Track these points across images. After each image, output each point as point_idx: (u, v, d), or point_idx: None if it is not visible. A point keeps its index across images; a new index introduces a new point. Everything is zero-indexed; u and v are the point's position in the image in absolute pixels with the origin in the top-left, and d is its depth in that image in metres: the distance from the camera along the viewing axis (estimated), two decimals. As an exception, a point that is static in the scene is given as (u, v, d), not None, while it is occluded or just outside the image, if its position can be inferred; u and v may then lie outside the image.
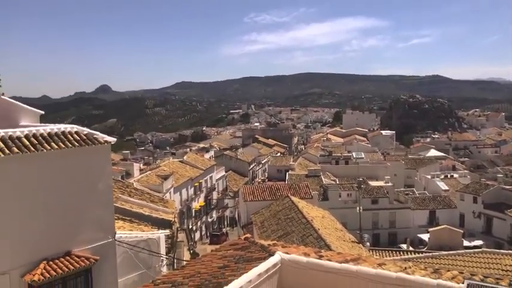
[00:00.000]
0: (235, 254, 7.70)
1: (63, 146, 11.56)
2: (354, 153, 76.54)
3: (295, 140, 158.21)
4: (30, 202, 11.02)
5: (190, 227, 51.70)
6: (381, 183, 58.67)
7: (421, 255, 27.82)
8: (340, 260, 6.79)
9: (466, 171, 74.76)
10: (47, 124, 12.99)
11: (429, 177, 64.70)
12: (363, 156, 75.25)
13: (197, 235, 56.11)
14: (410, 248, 37.64)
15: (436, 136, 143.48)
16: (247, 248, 7.87)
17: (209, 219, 62.59)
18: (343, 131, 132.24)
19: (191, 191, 55.44)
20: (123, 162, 60.37)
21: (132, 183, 32.11)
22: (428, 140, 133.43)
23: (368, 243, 35.83)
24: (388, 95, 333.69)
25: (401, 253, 31.21)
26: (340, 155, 75.42)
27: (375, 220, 51.61)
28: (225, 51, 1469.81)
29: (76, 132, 12.26)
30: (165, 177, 44.38)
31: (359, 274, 6.33)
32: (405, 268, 6.60)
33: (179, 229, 27.99)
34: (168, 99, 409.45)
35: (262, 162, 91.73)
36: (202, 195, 59.80)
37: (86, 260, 11.85)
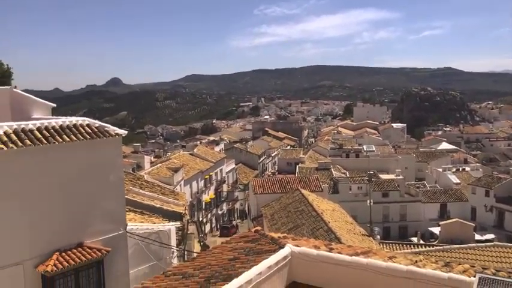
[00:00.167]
0: (246, 247, 7.73)
1: (75, 138, 11.65)
2: (364, 146, 76.15)
3: (306, 133, 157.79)
4: (42, 194, 11.15)
5: (200, 219, 51.98)
6: (391, 176, 58.35)
7: (431, 248, 27.69)
8: (350, 253, 6.78)
9: (478, 164, 74.06)
10: (58, 117, 13.10)
11: (440, 170, 64.20)
12: (374, 149, 74.82)
13: (207, 227, 56.42)
14: (421, 242, 37.49)
15: (448, 129, 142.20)
16: (257, 241, 7.89)
17: (219, 212, 62.88)
18: (354, 123, 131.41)
19: (201, 183, 55.68)
20: (134, 155, 60.77)
21: (143, 176, 32.33)
22: (439, 133, 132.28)
23: (378, 237, 35.73)
24: (400, 88, 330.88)
25: (412, 246, 31.07)
26: (350, 148, 75.10)
27: (385, 213, 51.42)
28: (235, 44, 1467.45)
29: (87, 125, 12.34)
30: (176, 170, 44.60)
31: (369, 267, 6.31)
32: (416, 261, 6.57)
33: (190, 221, 28.14)
34: (179, 92, 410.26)
35: (272, 155, 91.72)
36: (213, 188, 60.04)
37: (97, 252, 11.97)
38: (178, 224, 19.28)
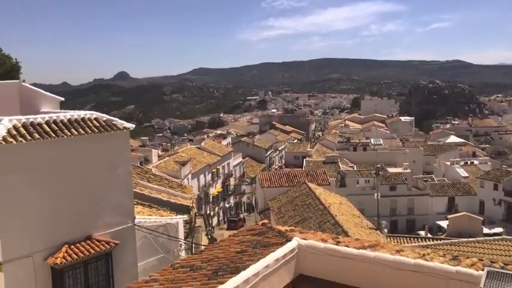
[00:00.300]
0: (253, 239, 7.75)
1: (83, 132, 11.73)
2: (372, 140, 75.92)
3: (313, 126, 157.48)
4: (51, 187, 11.25)
5: (208, 212, 52.20)
6: (399, 169, 58.17)
7: (439, 242, 27.63)
8: (357, 246, 6.78)
9: (486, 157, 73.62)
10: (67, 110, 13.18)
11: (448, 163, 63.90)
12: (382, 142, 74.60)
13: (215, 220, 56.65)
14: (429, 235, 37.39)
15: (456, 122, 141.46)
16: (264, 234, 7.91)
17: (226, 205, 63.09)
18: (362, 117, 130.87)
19: (209, 177, 55.85)
20: (142, 149, 61.04)
21: (151, 169, 32.49)
22: (448, 126, 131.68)
23: (386, 230, 35.73)
24: (408, 81, 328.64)
25: (420, 240, 31.02)
26: (358, 141, 74.91)
27: (393, 207, 51.33)
28: (242, 37, 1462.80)
29: (95, 119, 12.41)
30: (183, 164, 44.77)
31: (376, 260, 6.31)
32: (423, 255, 6.56)
33: (197, 214, 28.26)
34: (186, 85, 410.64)
35: (279, 148, 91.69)
36: (220, 181, 60.22)
37: (106, 244, 12.08)
38: (185, 217, 19.37)
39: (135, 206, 14.62)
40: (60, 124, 11.51)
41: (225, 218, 60.40)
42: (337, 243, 7.05)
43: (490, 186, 50.79)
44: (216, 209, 58.84)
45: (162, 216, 17.20)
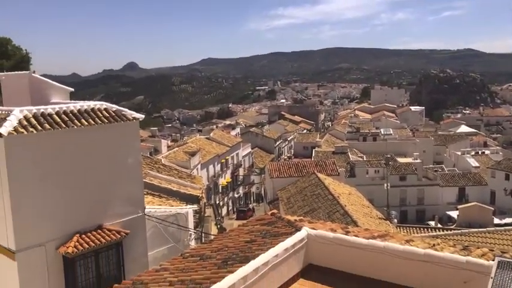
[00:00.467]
0: (262, 229, 7.77)
1: (93, 122, 11.79)
2: (382, 130, 75.52)
3: (322, 116, 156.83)
4: (62, 177, 11.35)
5: (217, 202, 52.45)
6: (409, 159, 57.87)
7: (449, 232, 27.49)
8: (367, 236, 6.77)
9: (498, 147, 72.81)
10: (76, 101, 13.24)
11: (459, 153, 63.35)
12: (391, 132, 74.17)
13: (224, 210, 56.92)
14: (439, 225, 37.24)
15: (467, 112, 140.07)
16: (273, 223, 7.93)
17: (236, 195, 63.31)
18: (371, 107, 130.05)
19: (218, 167, 56.02)
20: (151, 139, 61.30)
21: (160, 160, 32.63)
22: (459, 115, 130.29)
23: (395, 220, 35.60)
24: (418, 70, 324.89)
25: (430, 230, 30.90)
26: (368, 131, 74.57)
27: (402, 197, 51.16)
28: (251, 27, 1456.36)
29: (105, 109, 12.46)
30: (192, 154, 44.93)
31: (386, 250, 6.30)
32: (433, 245, 6.54)
33: (206, 204, 28.40)
34: (195, 76, 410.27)
35: (289, 139, 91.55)
36: (229, 172, 60.38)
37: (117, 234, 12.19)
38: (195, 207, 19.49)
39: (145, 196, 14.72)
40: (71, 115, 11.57)
41: (234, 208, 60.65)
42: (347, 233, 7.05)
43: (501, 176, 50.33)
44: (225, 199, 59.08)
45: (172, 206, 17.31)
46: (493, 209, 38.51)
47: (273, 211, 8.94)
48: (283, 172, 37.28)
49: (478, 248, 6.55)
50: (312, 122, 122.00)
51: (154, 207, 15.26)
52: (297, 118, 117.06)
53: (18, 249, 10.61)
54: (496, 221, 38.60)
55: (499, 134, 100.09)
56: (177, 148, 48.46)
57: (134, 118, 12.91)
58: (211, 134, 62.76)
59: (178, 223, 15.66)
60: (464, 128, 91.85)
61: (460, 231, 27.11)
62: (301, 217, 8.72)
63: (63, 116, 11.40)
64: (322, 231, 7.05)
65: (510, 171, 49.55)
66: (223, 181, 57.86)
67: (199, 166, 47.45)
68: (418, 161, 56.19)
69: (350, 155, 58.95)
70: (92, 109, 12.17)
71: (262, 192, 59.38)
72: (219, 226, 34.10)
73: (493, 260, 5.54)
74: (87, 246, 11.34)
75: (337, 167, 39.32)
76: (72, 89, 15.04)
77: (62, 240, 11.37)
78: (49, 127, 10.86)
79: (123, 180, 12.76)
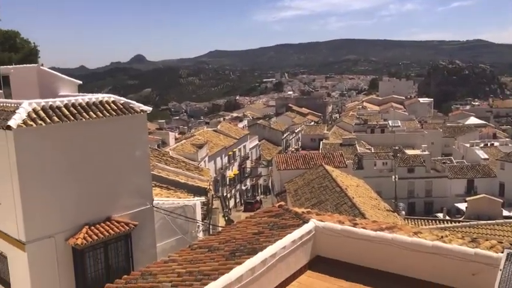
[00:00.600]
0: (270, 221, 7.79)
1: (101, 115, 11.85)
2: (390, 122, 75.11)
3: (330, 108, 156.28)
4: (71, 169, 11.44)
5: (224, 194, 52.62)
6: (417, 151, 57.57)
7: (458, 224, 27.39)
8: (375, 228, 6.76)
9: (507, 139, 72.20)
10: (85, 94, 13.31)
11: (468, 145, 62.89)
12: (400, 124, 73.75)
13: (231, 202, 57.10)
14: (447, 217, 37.11)
15: (477, 103, 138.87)
16: (281, 215, 7.94)
17: (243, 187, 63.46)
18: (379, 98, 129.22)
19: (225, 159, 56.13)
20: (159, 132, 61.46)
21: (168, 152, 32.74)
22: (468, 107, 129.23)
23: (403, 212, 35.58)
24: (427, 61, 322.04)
25: (438, 222, 30.81)
26: (375, 123, 74.20)
27: (410, 189, 50.98)
28: (258, 18, 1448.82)
29: (113, 102, 12.51)
30: (200, 146, 45.04)
31: (394, 242, 6.29)
32: (441, 237, 6.51)
33: (214, 196, 28.49)
34: (202, 68, 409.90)
35: (296, 131, 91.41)
36: (236, 164, 60.49)
37: (125, 225, 12.28)
38: (203, 199, 19.55)
39: (153, 188, 14.80)
40: (79, 107, 11.64)
41: (242, 200, 60.81)
42: (355, 225, 7.04)
43: (510, 168, 49.92)
44: (233, 191, 59.24)
45: (180, 198, 17.39)
46: (502, 201, 38.30)
47: (280, 203, 8.96)
48: (290, 164, 37.26)
49: (487, 240, 6.52)
50: (320, 114, 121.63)
51: (163, 199, 15.34)
52: (304, 110, 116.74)
53: (29, 241, 10.74)
54: (505, 213, 38.33)
55: (509, 125, 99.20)
56: (184, 140, 48.60)
57: (142, 111, 12.96)
58: (219, 127, 62.82)
59: (186, 215, 15.74)
60: (473, 120, 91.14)
61: (468, 223, 27.01)
62: (309, 209, 8.73)
63: (71, 108, 11.46)
64: (329, 223, 7.05)
65: (519, 163, 49.16)
66: (230, 173, 57.99)
67: (206, 158, 47.57)
68: (427, 153, 55.88)
69: (358, 147, 58.75)
70: (100, 102, 12.22)
71: (270, 184, 59.46)
72: (226, 218, 34.23)
73: (502, 252, 5.51)
74: (96, 237, 11.45)
75: (345, 159, 39.22)
76: (80, 82, 15.12)
77: (71, 231, 11.49)
78: (58, 120, 10.92)
79: (132, 173, 12.84)
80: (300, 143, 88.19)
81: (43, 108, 11.00)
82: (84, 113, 11.54)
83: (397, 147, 49.62)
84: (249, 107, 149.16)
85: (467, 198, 38.41)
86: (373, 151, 57.88)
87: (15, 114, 10.41)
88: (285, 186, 33.21)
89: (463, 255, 5.76)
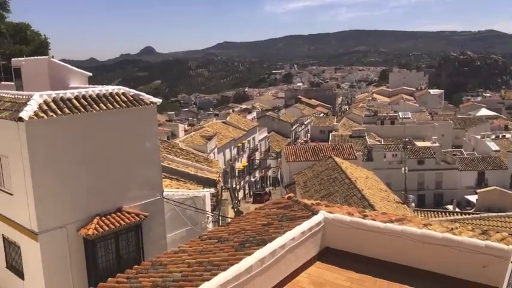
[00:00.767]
0: (279, 213, 7.81)
1: (112, 106, 11.91)
2: (400, 113, 74.54)
3: (339, 100, 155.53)
4: (82, 160, 11.54)
5: (234, 186, 52.74)
6: (427, 143, 57.20)
7: (468, 216, 27.25)
8: (384, 220, 6.75)
9: (519, 131, 71.31)
10: (95, 86, 13.38)
11: (479, 137, 62.25)
12: (410, 116, 73.20)
13: (240, 194, 57.25)
14: (457, 210, 36.88)
15: (488, 95, 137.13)
16: (290, 207, 7.96)
17: (252, 179, 63.54)
18: (390, 90, 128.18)
19: (234, 151, 56.19)
20: (169, 123, 61.57)
21: (178, 144, 32.86)
22: (479, 98, 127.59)
23: (413, 204, 35.37)
24: (437, 52, 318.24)
25: (448, 214, 30.65)
26: (385, 115, 73.76)
27: (420, 181, 50.70)
28: (267, 9, 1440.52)
29: (123, 94, 12.56)
30: (209, 138, 45.12)
31: (404, 234, 6.28)
32: (452, 229, 6.49)
33: (223, 188, 28.60)
34: (211, 60, 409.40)
35: (305, 123, 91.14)
36: (245, 156, 60.54)
37: (136, 216, 12.39)
38: (212, 190, 19.65)
39: (163, 179, 14.89)
40: (89, 99, 11.71)
41: (251, 191, 60.93)
42: (364, 216, 7.04)
43: (522, 160, 49.44)
44: (242, 183, 59.36)
45: (190, 189, 17.49)
46: (513, 193, 37.94)
47: (289, 195, 8.97)
48: (299, 156, 37.21)
49: (498, 232, 6.48)
50: (329, 106, 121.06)
51: (172, 190, 15.44)
52: (313, 102, 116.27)
53: (41, 231, 10.88)
54: (516, 205, 38.00)
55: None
56: (194, 132, 48.70)
57: (152, 102, 13.01)
58: (228, 118, 62.82)
59: (195, 206, 15.84)
60: (484, 111, 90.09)
61: (479, 215, 26.85)
62: (318, 201, 8.73)
63: (82, 100, 11.53)
64: (339, 214, 7.06)
65: (531, 155, 48.61)
66: (239, 165, 58.08)
67: (215, 150, 47.67)
68: (437, 144, 55.49)
69: (367, 139, 58.51)
70: (111, 93, 12.28)
71: (279, 176, 59.46)
72: (235, 209, 34.33)
73: (513, 245, 5.49)
74: (107, 228, 11.57)
75: (355, 151, 39.08)
76: (91, 74, 15.19)
77: (82, 222, 11.62)
78: (68, 111, 11.01)
79: (142, 164, 12.92)
80: (309, 134, 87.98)
81: (54, 100, 11.09)
82: (94, 105, 11.62)
83: (407, 139, 49.24)
84: (258, 99, 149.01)
85: (478, 191, 38.10)
86: (382, 143, 57.61)
87: (27, 106, 10.50)
88: (294, 178, 33.21)
89: (474, 248, 5.74)
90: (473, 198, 41.26)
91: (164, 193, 13.80)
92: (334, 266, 6.59)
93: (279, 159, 60.77)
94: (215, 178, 23.06)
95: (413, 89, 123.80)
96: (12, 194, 11.63)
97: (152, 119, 13.49)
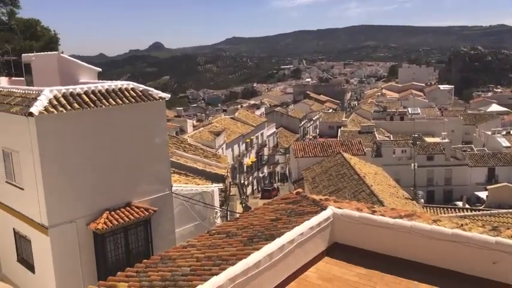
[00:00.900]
0: (287, 208, 7.80)
1: (121, 102, 11.97)
2: (409, 109, 74.02)
3: (348, 95, 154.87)
4: (92, 155, 11.61)
5: (242, 181, 52.83)
6: (437, 139, 56.77)
7: (478, 213, 27.04)
8: (393, 216, 6.72)
9: (531, 127, 70.54)
10: (104, 81, 13.44)
11: (489, 133, 61.69)
12: (419, 111, 72.64)
13: (249, 189, 57.32)
14: (467, 206, 36.64)
15: (499, 90, 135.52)
16: (298, 202, 7.95)
17: (260, 175, 63.58)
18: (399, 85, 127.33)
19: (243, 147, 56.23)
20: (177, 119, 61.71)
21: (186, 139, 32.93)
22: (490, 94, 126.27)
23: (422, 200, 35.22)
24: (448, 47, 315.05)
25: (457, 210, 30.45)
26: (395, 110, 73.25)
27: (430, 177, 50.42)
28: (276, 4, 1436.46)
29: (132, 89, 12.61)
30: (217, 134, 45.17)
31: (413, 230, 6.25)
32: (461, 225, 6.44)
33: (232, 183, 28.66)
34: (219, 55, 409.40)
35: (314, 118, 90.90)
36: (254, 151, 60.55)
37: (145, 211, 12.46)
38: (220, 185, 19.69)
39: (172, 174, 14.95)
40: (99, 94, 11.77)
41: (259, 187, 60.99)
42: (373, 212, 7.01)
43: (533, 156, 48.94)
44: (250, 178, 59.42)
45: (198, 184, 17.54)
46: (524, 190, 37.57)
47: (298, 190, 8.96)
48: (308, 152, 37.16)
49: (508, 228, 6.42)
50: (338, 101, 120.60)
51: (181, 185, 15.49)
52: (322, 97, 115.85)
53: (51, 225, 10.99)
54: (527, 202, 37.64)
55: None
56: (202, 128, 48.79)
57: (160, 98, 13.04)
58: (236, 114, 62.83)
59: (204, 201, 15.89)
60: (495, 107, 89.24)
61: (489, 211, 26.64)
62: (327, 196, 8.71)
63: (91, 95, 11.60)
64: (348, 210, 7.04)
65: (543, 151, 48.08)
66: (248, 161, 58.13)
67: (224, 146, 47.74)
68: (446, 140, 55.07)
69: (376, 135, 58.21)
70: (120, 89, 12.33)
71: (287, 171, 59.43)
72: (244, 205, 34.41)
73: (524, 241, 5.44)
74: (116, 222, 11.65)
75: (363, 147, 38.93)
76: (100, 69, 15.26)
77: (92, 216, 11.71)
78: (78, 106, 11.08)
79: (151, 159, 12.98)
80: (317, 130, 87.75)
81: (64, 95, 11.16)
82: (104, 100, 11.68)
83: (416, 135, 48.94)
84: (267, 95, 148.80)
85: (488, 187, 37.80)
86: (392, 139, 57.27)
87: (37, 101, 10.58)
88: (303, 173, 33.17)
89: (484, 244, 5.69)
90: (483, 194, 40.94)
91: (173, 188, 13.85)
92: (342, 261, 6.58)
93: (287, 155, 60.71)
94: (223, 173, 23.10)
95: (423, 85, 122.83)
96: (23, 189, 11.75)
97: (161, 114, 13.53)
